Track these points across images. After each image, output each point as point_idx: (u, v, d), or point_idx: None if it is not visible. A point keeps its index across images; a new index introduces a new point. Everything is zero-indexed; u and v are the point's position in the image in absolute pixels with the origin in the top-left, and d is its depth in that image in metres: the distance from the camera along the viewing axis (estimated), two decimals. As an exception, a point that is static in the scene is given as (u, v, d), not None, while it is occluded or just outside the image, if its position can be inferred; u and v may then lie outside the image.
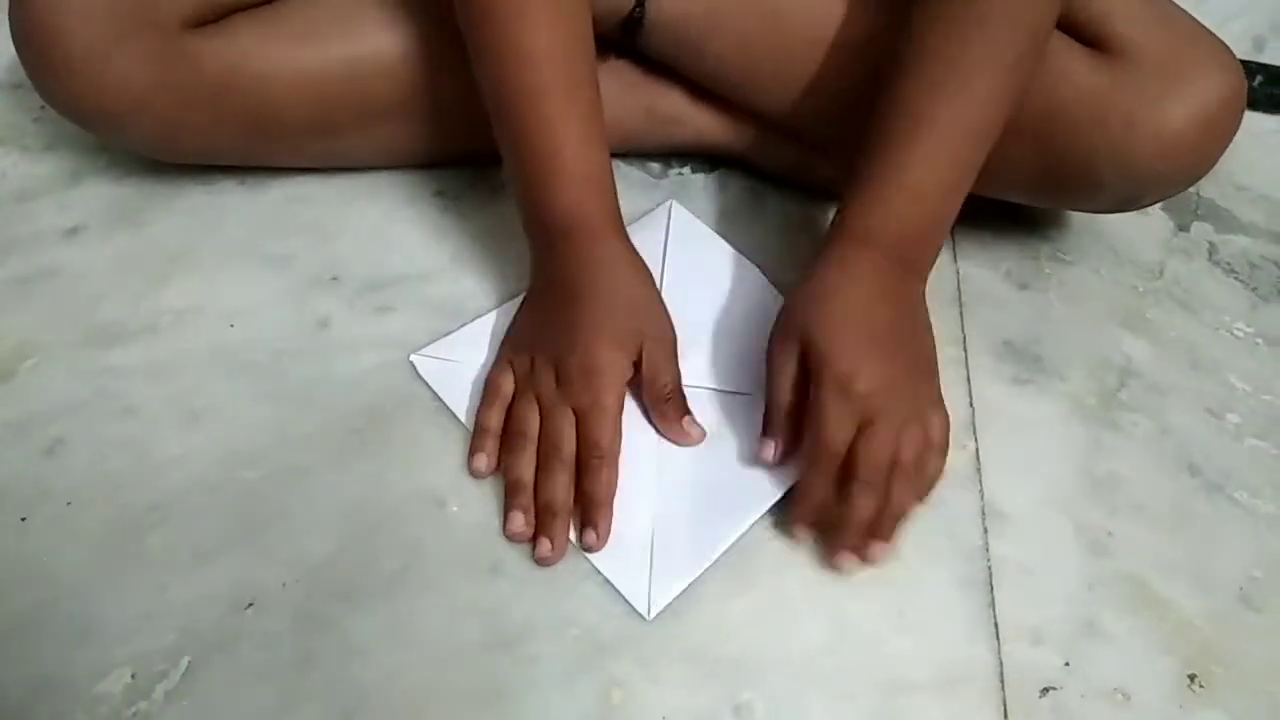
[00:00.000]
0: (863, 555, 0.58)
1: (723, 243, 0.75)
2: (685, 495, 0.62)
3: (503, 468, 0.62)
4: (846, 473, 0.57)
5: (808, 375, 0.60)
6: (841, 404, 0.57)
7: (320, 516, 0.60)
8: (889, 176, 0.61)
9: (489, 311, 0.70)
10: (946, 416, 0.61)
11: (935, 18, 0.61)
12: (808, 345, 0.59)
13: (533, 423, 0.62)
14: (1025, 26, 0.60)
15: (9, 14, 0.64)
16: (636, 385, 0.63)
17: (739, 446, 0.64)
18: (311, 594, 0.57)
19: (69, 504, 0.60)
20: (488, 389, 0.65)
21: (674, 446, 0.64)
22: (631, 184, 0.81)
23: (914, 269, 0.63)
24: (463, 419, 0.65)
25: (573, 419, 0.61)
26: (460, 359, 0.68)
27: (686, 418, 0.63)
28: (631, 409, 0.64)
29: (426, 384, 0.66)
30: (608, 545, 0.60)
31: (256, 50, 0.68)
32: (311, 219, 0.76)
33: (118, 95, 0.65)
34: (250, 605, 0.57)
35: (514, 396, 0.64)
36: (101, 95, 0.65)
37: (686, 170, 0.82)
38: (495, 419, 0.64)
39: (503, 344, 0.67)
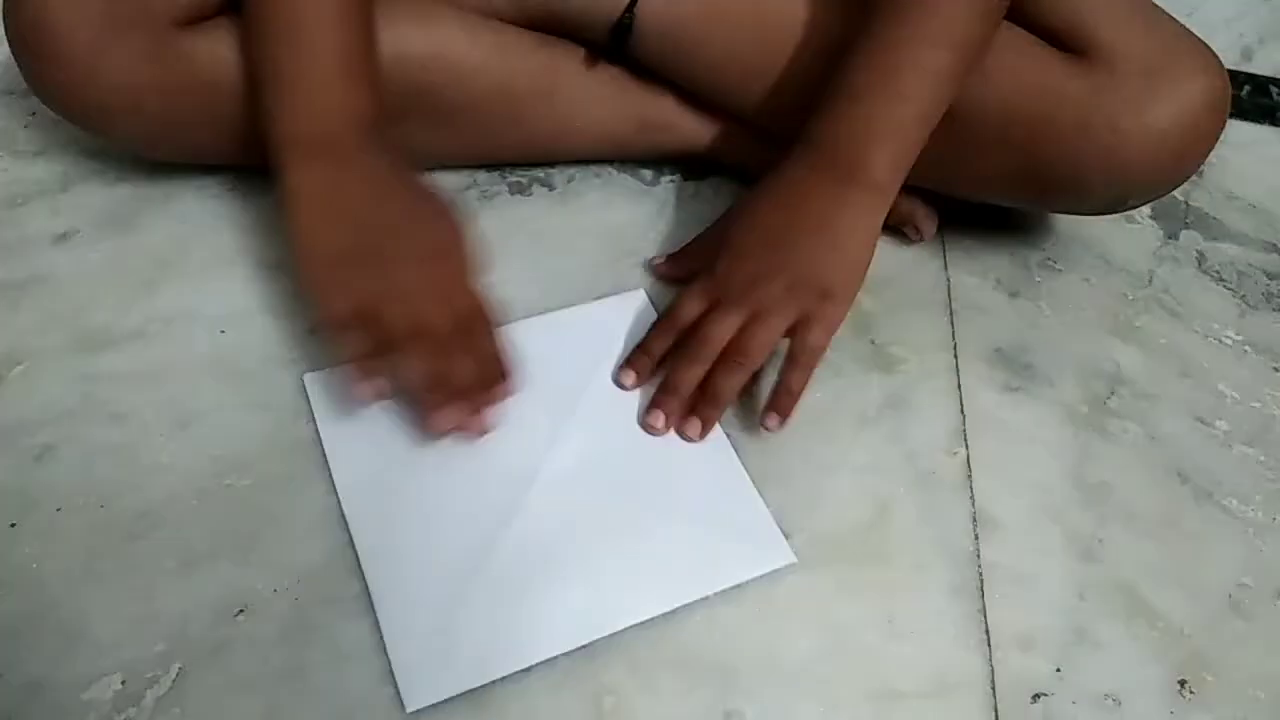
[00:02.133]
0: (679, 427, 0.63)
1: None
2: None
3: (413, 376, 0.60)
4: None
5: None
6: (699, 285, 0.62)
7: (310, 523, 0.60)
8: (835, 90, 0.63)
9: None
10: (826, 331, 0.62)
11: None
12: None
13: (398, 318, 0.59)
14: None
15: (2, 11, 0.64)
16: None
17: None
18: (301, 601, 0.57)
19: (58, 510, 0.60)
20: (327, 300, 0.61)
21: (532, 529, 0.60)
22: (622, 191, 0.81)
23: (853, 176, 0.63)
24: (330, 462, 0.61)
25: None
26: (429, 656, 0.56)
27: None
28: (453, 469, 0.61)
29: (308, 405, 0.64)
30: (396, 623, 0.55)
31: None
32: (303, 225, 0.76)
33: (110, 92, 0.65)
34: (240, 612, 0.56)
35: (358, 296, 0.60)
36: (94, 92, 0.65)
37: (677, 178, 0.82)
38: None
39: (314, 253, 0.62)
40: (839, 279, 0.63)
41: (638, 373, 0.65)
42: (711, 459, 0.64)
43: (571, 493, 0.61)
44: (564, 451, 0.63)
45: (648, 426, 0.63)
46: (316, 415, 0.63)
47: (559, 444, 0.63)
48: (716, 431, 0.64)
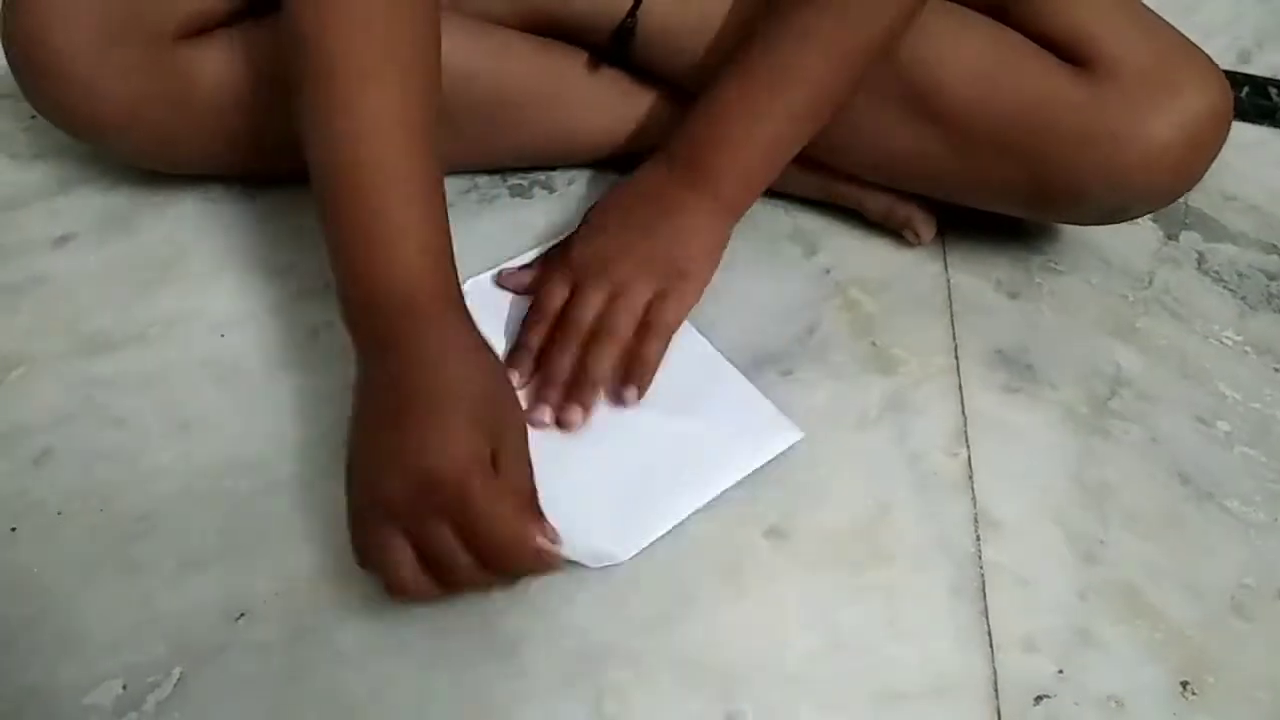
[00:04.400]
0: (560, 418, 0.62)
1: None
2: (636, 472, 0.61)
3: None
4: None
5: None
6: (559, 268, 0.62)
7: (311, 526, 0.60)
8: (699, 106, 0.67)
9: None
10: (677, 308, 0.65)
11: None
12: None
13: (400, 556, 0.51)
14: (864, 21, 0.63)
15: (1, 24, 0.63)
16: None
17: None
18: (303, 604, 0.57)
19: (58, 514, 0.60)
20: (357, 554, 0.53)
21: (623, 427, 0.63)
22: (623, 193, 0.81)
23: (701, 179, 0.66)
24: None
25: (448, 530, 0.51)
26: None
27: (545, 523, 0.54)
28: None
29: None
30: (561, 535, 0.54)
31: (245, 62, 0.68)
32: (304, 227, 0.75)
33: (108, 105, 0.65)
34: (241, 616, 0.56)
35: (367, 540, 0.53)
36: (92, 105, 0.65)
37: (678, 180, 0.82)
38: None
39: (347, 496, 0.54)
40: (690, 260, 0.66)
41: (520, 371, 0.64)
42: (700, 364, 0.68)
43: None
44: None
45: (535, 422, 0.61)
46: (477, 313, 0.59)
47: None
48: (698, 339, 0.69)
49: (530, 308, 0.66)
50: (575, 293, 0.64)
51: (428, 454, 0.50)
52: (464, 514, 0.50)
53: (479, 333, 0.57)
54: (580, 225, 0.69)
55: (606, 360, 0.63)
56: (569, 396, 0.62)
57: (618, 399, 0.63)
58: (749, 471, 0.63)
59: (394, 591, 0.52)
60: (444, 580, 0.52)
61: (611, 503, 0.60)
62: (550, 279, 0.65)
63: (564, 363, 0.63)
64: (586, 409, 0.62)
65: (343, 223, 0.56)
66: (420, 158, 0.57)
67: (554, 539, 0.54)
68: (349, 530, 0.53)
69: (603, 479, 0.61)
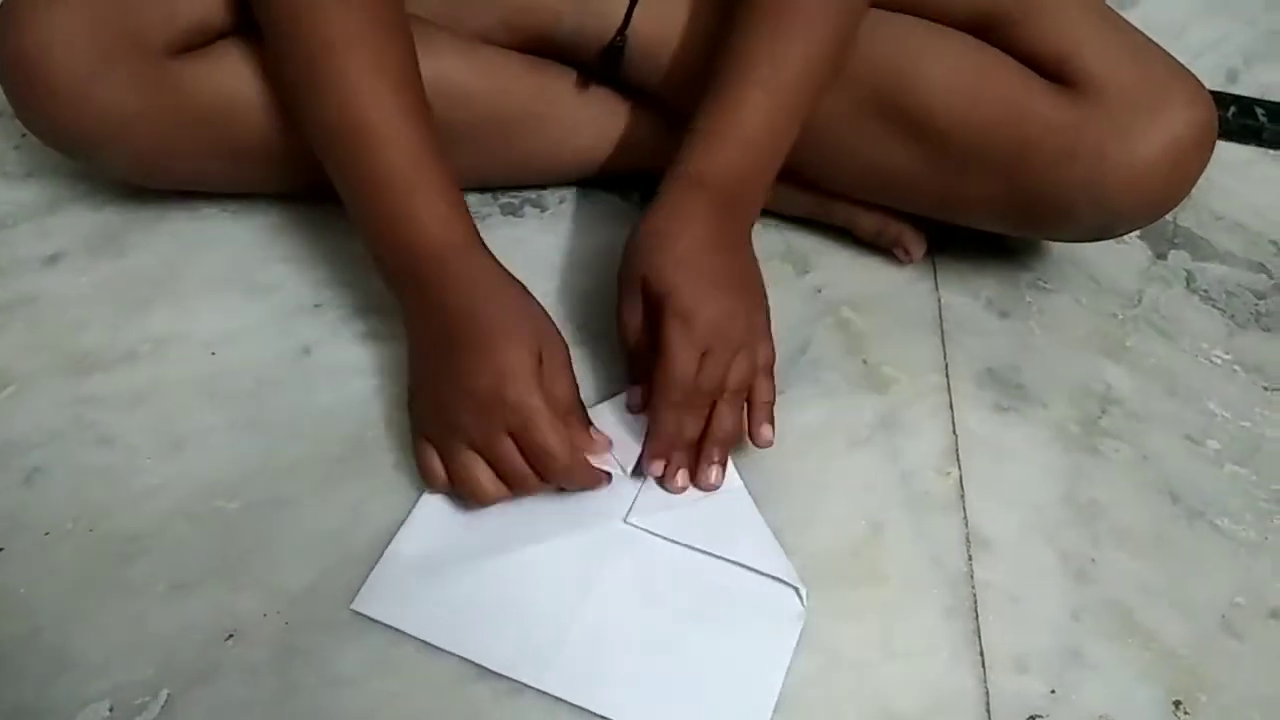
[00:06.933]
0: (697, 480, 0.62)
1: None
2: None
3: None
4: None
5: (653, 319, 0.61)
6: (684, 337, 0.59)
7: (302, 546, 0.60)
8: (723, 125, 0.64)
9: (399, 527, 0.61)
10: (772, 347, 0.64)
11: None
12: (649, 288, 0.61)
13: (479, 471, 0.59)
14: None
15: None
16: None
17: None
18: (292, 625, 0.57)
19: (47, 534, 0.59)
20: (424, 474, 0.61)
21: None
22: (614, 213, 0.81)
23: (741, 211, 0.65)
24: (436, 642, 0.56)
25: (511, 442, 0.58)
26: (404, 586, 0.58)
27: (592, 428, 0.63)
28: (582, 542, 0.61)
29: (384, 624, 0.57)
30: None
31: (240, 76, 0.68)
32: (295, 246, 0.76)
33: (101, 122, 0.65)
34: (231, 636, 0.56)
35: (446, 461, 0.60)
36: (84, 122, 0.65)
37: (670, 199, 0.83)
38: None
39: (413, 421, 0.63)
40: (759, 298, 0.65)
41: (670, 461, 0.62)
42: (726, 500, 0.63)
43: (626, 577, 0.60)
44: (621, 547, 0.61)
45: (672, 487, 0.61)
46: (400, 627, 0.57)
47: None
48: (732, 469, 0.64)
49: (662, 380, 0.60)
50: (702, 361, 0.60)
51: (483, 375, 0.57)
52: (521, 426, 0.57)
53: (503, 267, 0.62)
54: (673, 284, 0.61)
55: (739, 416, 0.62)
56: (705, 458, 0.62)
57: (757, 442, 0.62)
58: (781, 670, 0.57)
59: (480, 500, 0.59)
60: (514, 485, 0.59)
61: (596, 659, 0.56)
62: (682, 350, 0.59)
63: (696, 428, 0.61)
64: (724, 465, 0.62)
65: (358, 185, 0.62)
66: (418, 115, 0.62)
67: (601, 447, 0.63)
68: (416, 457, 0.62)
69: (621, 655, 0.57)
